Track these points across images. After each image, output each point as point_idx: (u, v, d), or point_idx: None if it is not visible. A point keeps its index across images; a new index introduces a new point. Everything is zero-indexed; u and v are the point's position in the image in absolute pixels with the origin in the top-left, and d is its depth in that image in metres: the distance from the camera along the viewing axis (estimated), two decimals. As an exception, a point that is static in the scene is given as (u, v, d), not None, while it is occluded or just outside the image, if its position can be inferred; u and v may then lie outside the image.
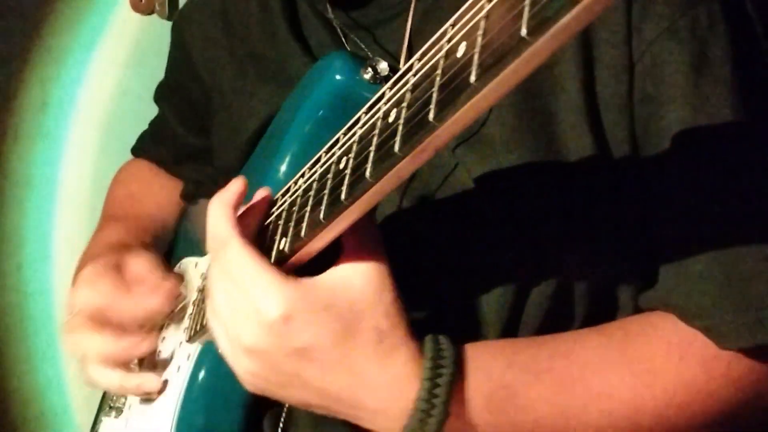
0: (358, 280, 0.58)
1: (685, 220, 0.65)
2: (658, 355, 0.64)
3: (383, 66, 0.72)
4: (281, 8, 0.85)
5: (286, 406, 0.77)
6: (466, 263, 0.68)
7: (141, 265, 0.84)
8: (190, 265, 0.91)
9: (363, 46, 0.79)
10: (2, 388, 1.33)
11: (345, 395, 0.58)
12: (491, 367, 0.61)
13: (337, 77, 0.73)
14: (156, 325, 0.85)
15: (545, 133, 0.67)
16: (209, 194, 0.94)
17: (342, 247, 0.59)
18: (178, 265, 0.95)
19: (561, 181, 0.67)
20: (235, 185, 0.64)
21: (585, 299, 0.69)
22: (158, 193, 1.07)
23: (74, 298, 0.83)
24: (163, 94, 1.10)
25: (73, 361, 1.34)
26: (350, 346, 0.57)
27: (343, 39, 0.81)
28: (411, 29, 0.73)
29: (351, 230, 0.57)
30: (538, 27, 0.39)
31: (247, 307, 0.58)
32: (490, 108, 0.68)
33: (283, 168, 0.75)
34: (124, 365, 0.81)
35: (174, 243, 1.03)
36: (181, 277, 0.87)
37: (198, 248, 0.89)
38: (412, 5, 0.73)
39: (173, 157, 1.07)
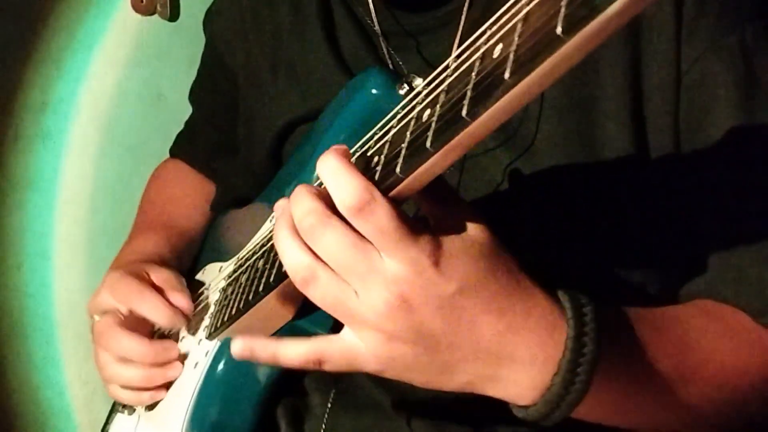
0: (475, 234, 0.54)
1: (734, 225, 0.68)
2: (746, 325, 0.66)
3: (419, 82, 0.74)
4: (316, 11, 0.85)
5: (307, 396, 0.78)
6: None
7: (161, 276, 0.86)
8: (214, 269, 0.93)
9: (397, 57, 0.80)
10: (2, 388, 1.33)
11: (497, 346, 0.53)
12: (624, 318, 0.60)
13: (374, 91, 0.75)
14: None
15: (590, 141, 0.70)
16: (239, 203, 0.96)
17: (436, 218, 0.56)
18: (202, 270, 0.97)
19: (602, 186, 0.70)
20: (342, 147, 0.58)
21: (615, 297, 0.71)
22: (191, 200, 1.08)
23: (96, 301, 0.85)
24: (195, 92, 1.10)
25: (74, 360, 1.35)
26: (495, 289, 0.53)
27: (379, 45, 0.82)
28: (460, 39, 0.75)
29: (439, 201, 0.55)
30: (573, 25, 0.40)
31: (389, 262, 0.52)
32: (537, 126, 0.70)
33: (316, 174, 0.76)
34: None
35: (200, 250, 1.05)
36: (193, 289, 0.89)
37: (223, 255, 0.92)
38: (463, 15, 0.75)
39: (205, 156, 1.08)
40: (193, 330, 0.86)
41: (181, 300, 0.83)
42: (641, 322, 0.61)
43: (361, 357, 0.56)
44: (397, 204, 0.52)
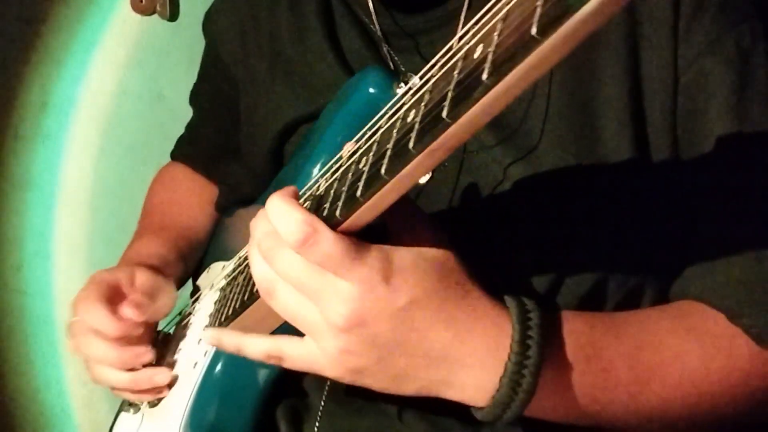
0: (427, 249, 0.58)
1: (723, 225, 0.67)
2: (718, 328, 0.66)
3: (416, 81, 0.74)
4: (315, 11, 0.85)
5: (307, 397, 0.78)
6: (507, 265, 0.69)
7: (140, 280, 0.86)
8: (217, 267, 0.93)
9: (396, 57, 0.80)
10: (2, 388, 1.33)
11: (447, 353, 0.57)
12: (574, 322, 0.62)
13: (371, 90, 0.75)
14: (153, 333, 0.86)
15: (590, 142, 0.69)
16: (243, 204, 0.96)
17: (395, 231, 0.59)
18: (207, 269, 0.97)
19: (601, 187, 0.70)
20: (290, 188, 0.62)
21: (615, 298, 0.71)
22: (194, 202, 1.07)
23: (73, 302, 0.84)
24: (195, 95, 1.10)
25: (74, 361, 1.36)
26: (443, 300, 0.56)
27: (381, 46, 0.81)
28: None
29: (399, 215, 0.58)
30: (547, 26, 0.40)
31: (341, 282, 0.55)
32: (543, 126, 0.70)
33: (315, 172, 0.77)
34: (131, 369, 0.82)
35: (206, 251, 1.05)
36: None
37: (226, 254, 0.92)
38: (463, 14, 0.74)
39: (207, 159, 1.08)
40: (193, 328, 0.86)
41: (129, 311, 0.80)
42: (597, 326, 0.63)
43: (318, 363, 0.59)
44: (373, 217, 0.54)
